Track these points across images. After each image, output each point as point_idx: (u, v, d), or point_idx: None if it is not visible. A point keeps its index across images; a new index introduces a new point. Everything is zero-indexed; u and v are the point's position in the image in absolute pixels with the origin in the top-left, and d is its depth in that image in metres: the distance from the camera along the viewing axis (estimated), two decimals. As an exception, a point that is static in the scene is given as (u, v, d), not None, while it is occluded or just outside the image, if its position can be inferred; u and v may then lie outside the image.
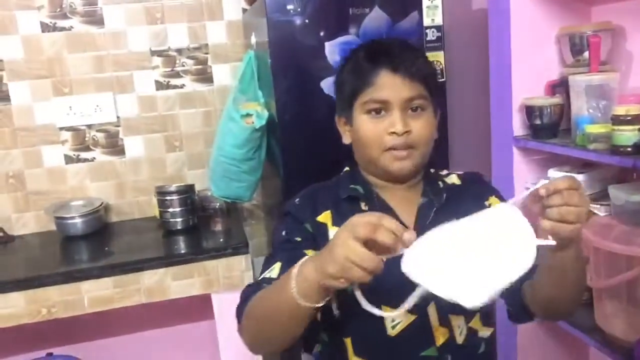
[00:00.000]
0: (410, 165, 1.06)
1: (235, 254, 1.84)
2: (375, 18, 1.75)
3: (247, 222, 2.40)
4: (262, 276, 1.00)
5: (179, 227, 2.02)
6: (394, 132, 1.02)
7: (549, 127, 1.66)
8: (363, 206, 1.08)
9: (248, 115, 1.89)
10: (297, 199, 1.13)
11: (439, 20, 1.80)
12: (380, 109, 1.04)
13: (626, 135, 1.35)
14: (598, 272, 1.48)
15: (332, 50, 1.74)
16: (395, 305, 0.81)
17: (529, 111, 1.68)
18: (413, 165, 1.06)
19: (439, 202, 1.09)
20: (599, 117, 1.51)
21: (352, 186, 1.11)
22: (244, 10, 2.26)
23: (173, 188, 2.06)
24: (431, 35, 1.80)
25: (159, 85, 2.24)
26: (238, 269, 1.85)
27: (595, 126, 1.47)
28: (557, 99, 1.66)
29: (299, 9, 1.69)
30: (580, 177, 1.60)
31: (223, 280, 1.85)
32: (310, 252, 0.99)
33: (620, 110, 1.37)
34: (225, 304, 1.87)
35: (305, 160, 1.81)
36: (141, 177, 2.28)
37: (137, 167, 2.28)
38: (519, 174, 1.79)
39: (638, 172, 1.36)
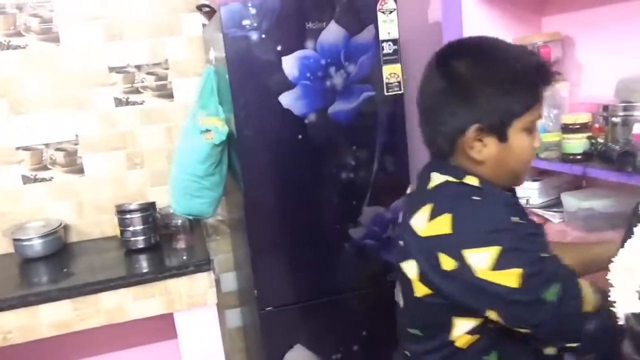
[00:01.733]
0: None
1: (197, 271, 1.81)
2: (331, 32, 1.76)
3: (211, 237, 2.38)
4: (576, 296, 0.95)
5: (140, 246, 1.99)
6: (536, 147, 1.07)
7: (504, 136, 1.68)
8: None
9: (207, 130, 1.88)
10: (515, 218, 0.97)
11: (395, 34, 1.82)
12: None
13: (575, 143, 1.38)
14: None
15: (290, 65, 1.74)
16: None
17: (485, 121, 1.70)
18: None
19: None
20: (551, 126, 1.54)
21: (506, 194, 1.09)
22: (204, 26, 2.25)
23: (133, 206, 2.03)
24: (387, 48, 1.82)
25: (118, 102, 2.22)
26: (201, 287, 1.82)
27: (546, 135, 1.50)
28: (511, 109, 1.69)
29: (255, 24, 1.70)
30: (535, 185, 1.63)
31: (186, 298, 1.82)
32: None
33: (569, 118, 1.40)
34: (188, 323, 1.85)
35: (266, 174, 1.81)
36: (102, 196, 2.24)
37: (97, 186, 2.24)
38: (477, 183, 1.81)
39: (588, 179, 1.39)
